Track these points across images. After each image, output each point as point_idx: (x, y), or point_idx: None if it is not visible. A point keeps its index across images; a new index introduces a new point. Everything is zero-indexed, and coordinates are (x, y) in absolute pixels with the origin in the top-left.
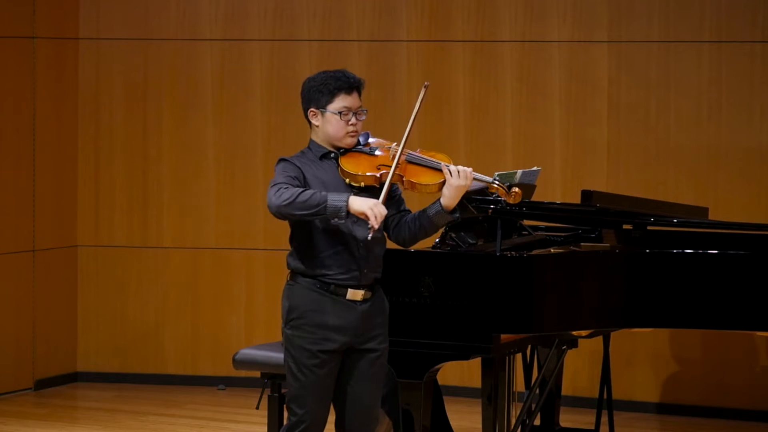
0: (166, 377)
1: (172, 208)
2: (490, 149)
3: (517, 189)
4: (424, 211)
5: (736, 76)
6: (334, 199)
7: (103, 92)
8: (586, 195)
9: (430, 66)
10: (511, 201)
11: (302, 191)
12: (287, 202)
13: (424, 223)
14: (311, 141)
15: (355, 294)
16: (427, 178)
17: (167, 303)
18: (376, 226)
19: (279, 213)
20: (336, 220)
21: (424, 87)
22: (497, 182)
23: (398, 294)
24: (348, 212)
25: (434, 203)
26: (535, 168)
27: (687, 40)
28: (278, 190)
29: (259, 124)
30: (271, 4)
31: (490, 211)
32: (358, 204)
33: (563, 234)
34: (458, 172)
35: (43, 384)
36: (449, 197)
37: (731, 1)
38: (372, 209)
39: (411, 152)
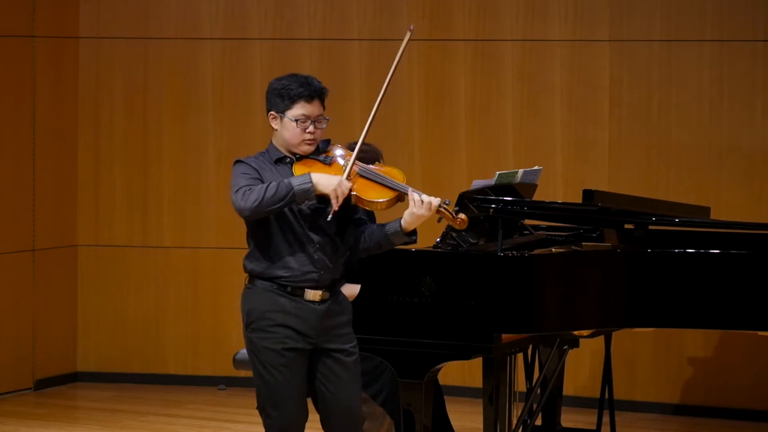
0: (167, 377)
1: (172, 208)
2: (491, 148)
3: (463, 216)
4: (383, 227)
5: (738, 74)
6: (298, 183)
7: (103, 91)
8: (588, 194)
9: (431, 65)
10: (456, 226)
11: (267, 187)
12: (257, 201)
13: (380, 239)
14: (270, 143)
15: (313, 295)
16: (373, 194)
17: (167, 303)
18: (337, 207)
19: (253, 214)
20: (308, 202)
21: (410, 30)
22: (443, 207)
23: (399, 293)
24: (316, 194)
25: (394, 222)
26: (536, 167)
27: (689, 38)
28: (244, 194)
29: (260, 122)
30: (272, 2)
31: (491, 210)
32: (322, 185)
33: (565, 233)
34: (422, 203)
35: (43, 384)
36: (410, 222)
37: (733, 0)
38: (335, 189)
39: (364, 166)
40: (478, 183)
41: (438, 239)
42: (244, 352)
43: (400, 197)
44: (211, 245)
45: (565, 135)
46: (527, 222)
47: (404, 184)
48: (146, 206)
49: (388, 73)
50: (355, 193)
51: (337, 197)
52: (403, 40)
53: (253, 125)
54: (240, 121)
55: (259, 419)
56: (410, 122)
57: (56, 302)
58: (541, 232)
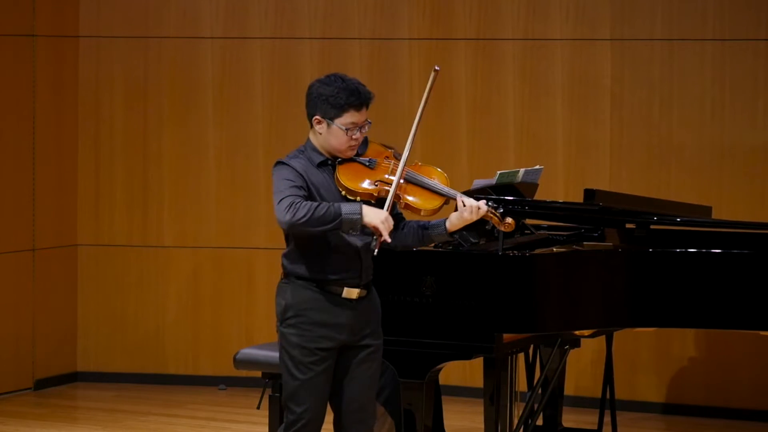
0: (167, 377)
1: (172, 207)
2: (492, 148)
3: (510, 219)
4: (426, 227)
5: (739, 74)
6: (347, 212)
7: (103, 90)
8: (589, 194)
9: (432, 64)
10: (503, 230)
11: (317, 207)
12: (303, 220)
13: (424, 237)
14: (309, 143)
15: (350, 293)
16: (424, 202)
17: (168, 302)
18: (388, 239)
19: (293, 229)
20: (351, 231)
21: (435, 70)
22: (491, 212)
23: (400, 293)
24: (362, 225)
25: (439, 224)
26: (537, 167)
27: (690, 38)
28: (290, 206)
29: (260, 122)
30: (272, 1)
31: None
32: (371, 217)
33: (566, 233)
34: (471, 207)
35: (42, 384)
36: (456, 225)
37: None
38: (383, 223)
39: (409, 170)
40: (479, 182)
41: None
42: (244, 352)
43: (447, 202)
44: (211, 245)
45: (567, 134)
46: (528, 221)
47: (452, 190)
48: (146, 205)
49: (388, 72)
50: (405, 201)
51: (385, 230)
52: (428, 81)
53: (253, 124)
54: (240, 120)
55: (259, 419)
56: (411, 121)
57: (56, 302)
58: (542, 232)
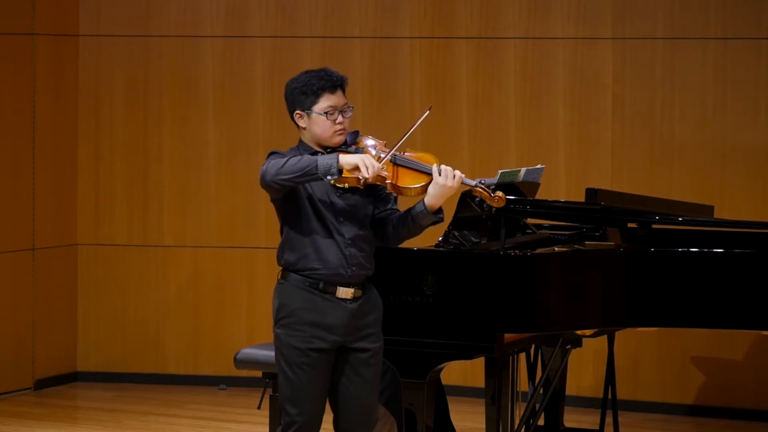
0: (167, 377)
1: (172, 206)
2: (493, 147)
3: (500, 193)
4: (409, 210)
5: (741, 73)
6: (324, 158)
7: (103, 89)
8: (591, 193)
9: (433, 63)
10: (494, 205)
11: (292, 156)
12: (278, 167)
13: (408, 222)
14: (299, 142)
15: (345, 292)
16: (409, 180)
17: (168, 302)
18: (368, 176)
19: (273, 181)
20: (329, 177)
21: (428, 109)
22: (481, 186)
23: (401, 293)
24: (340, 169)
25: (418, 203)
26: (538, 166)
27: (692, 37)
28: (269, 161)
29: (261, 121)
30: (273, 0)
31: (494, 209)
32: (350, 157)
33: (567, 232)
34: (447, 171)
35: (42, 384)
36: (433, 196)
37: None
38: (364, 161)
39: (397, 154)
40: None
41: (440, 238)
42: (245, 352)
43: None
44: (211, 244)
45: (568, 133)
46: (530, 221)
47: (433, 165)
48: (146, 205)
49: (389, 71)
50: (391, 181)
51: (366, 167)
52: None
53: (254, 123)
54: (241, 119)
55: (259, 419)
56: (412, 120)
57: (56, 302)
58: (543, 231)
